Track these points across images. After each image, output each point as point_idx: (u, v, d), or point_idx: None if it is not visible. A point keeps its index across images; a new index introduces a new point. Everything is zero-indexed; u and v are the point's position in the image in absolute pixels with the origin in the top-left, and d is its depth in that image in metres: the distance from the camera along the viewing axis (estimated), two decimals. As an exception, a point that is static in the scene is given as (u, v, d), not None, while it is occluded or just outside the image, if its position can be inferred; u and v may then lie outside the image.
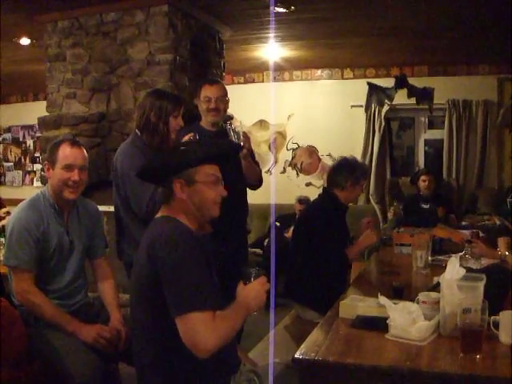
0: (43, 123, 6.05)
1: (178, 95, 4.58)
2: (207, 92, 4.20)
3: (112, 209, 3.90)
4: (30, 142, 11.16)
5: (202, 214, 2.49)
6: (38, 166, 10.46)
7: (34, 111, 7.88)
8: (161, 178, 2.52)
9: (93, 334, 3.07)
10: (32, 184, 10.93)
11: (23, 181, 11.11)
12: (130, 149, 3.76)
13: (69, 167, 3.20)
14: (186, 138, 3.79)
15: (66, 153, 3.21)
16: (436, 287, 2.83)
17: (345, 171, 4.25)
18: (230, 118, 4.97)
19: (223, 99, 4.23)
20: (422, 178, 7.17)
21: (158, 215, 2.52)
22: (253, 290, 2.39)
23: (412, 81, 8.06)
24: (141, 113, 3.79)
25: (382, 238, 5.72)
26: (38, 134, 8.85)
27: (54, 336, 3.08)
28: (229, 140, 3.82)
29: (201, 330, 2.21)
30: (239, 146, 3.72)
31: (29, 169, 11.15)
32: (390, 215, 7.92)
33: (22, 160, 11.25)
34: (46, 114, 6.13)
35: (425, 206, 7.03)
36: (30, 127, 10.92)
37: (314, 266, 4.07)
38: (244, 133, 4.00)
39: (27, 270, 3.12)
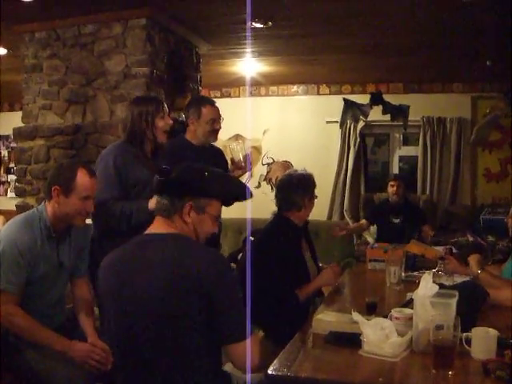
0: (18, 134, 6.02)
1: (155, 96, 4.52)
2: (211, 113, 4.19)
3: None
4: (4, 153, 11.05)
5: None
6: (12, 177, 10.32)
7: (9, 122, 7.87)
8: (176, 191, 2.36)
9: (82, 355, 2.97)
10: (6, 195, 10.81)
11: (-3, 191, 11.02)
12: (117, 148, 3.68)
13: (86, 198, 3.10)
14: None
15: (85, 184, 3.09)
16: (409, 303, 2.84)
17: (300, 189, 3.87)
18: None
19: (220, 118, 4.27)
20: (391, 183, 7.17)
21: (165, 231, 2.35)
22: None
23: (387, 98, 8.10)
24: (125, 124, 3.71)
25: (355, 253, 5.75)
26: (13, 145, 8.78)
27: (36, 349, 3.00)
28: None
29: (254, 350, 2.25)
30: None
31: (3, 179, 11.04)
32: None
33: (-3, 170, 11.16)
34: (22, 124, 6.09)
35: (395, 221, 7.04)
36: (5, 138, 10.82)
37: (266, 302, 3.49)
38: (246, 156, 4.14)
39: (15, 293, 2.99)
